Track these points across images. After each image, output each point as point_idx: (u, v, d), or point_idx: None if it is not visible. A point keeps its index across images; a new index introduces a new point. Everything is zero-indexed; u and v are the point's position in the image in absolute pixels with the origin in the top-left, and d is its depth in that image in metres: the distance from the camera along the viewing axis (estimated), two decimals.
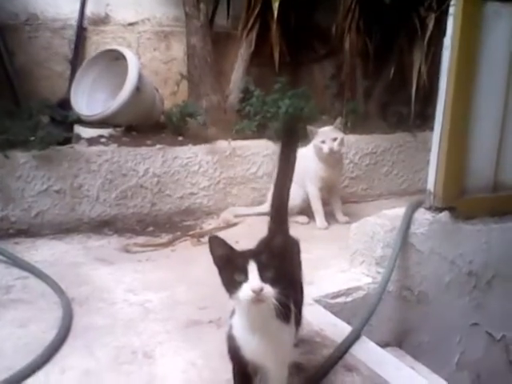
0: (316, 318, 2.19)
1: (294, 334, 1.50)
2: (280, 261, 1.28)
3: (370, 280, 2.54)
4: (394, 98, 4.34)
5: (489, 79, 2.63)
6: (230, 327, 1.38)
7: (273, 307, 1.26)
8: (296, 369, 1.82)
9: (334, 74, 4.50)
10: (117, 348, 1.96)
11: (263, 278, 1.23)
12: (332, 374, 1.83)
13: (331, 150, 3.30)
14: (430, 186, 2.61)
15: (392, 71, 4.20)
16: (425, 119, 4.04)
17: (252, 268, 1.24)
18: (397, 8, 3.93)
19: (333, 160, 3.40)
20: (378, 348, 2.05)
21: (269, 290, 1.23)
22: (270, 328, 1.32)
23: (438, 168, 2.59)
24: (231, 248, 1.31)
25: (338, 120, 3.38)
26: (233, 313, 1.38)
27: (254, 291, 1.22)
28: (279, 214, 1.67)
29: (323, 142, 3.30)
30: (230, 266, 1.27)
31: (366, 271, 2.60)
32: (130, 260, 2.86)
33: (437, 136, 2.58)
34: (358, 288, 2.50)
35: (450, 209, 2.62)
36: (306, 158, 3.30)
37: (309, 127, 3.33)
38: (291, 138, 1.73)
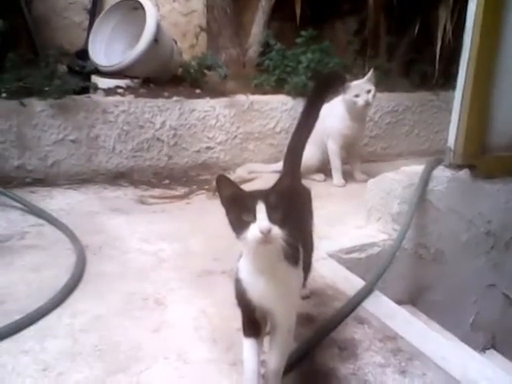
0: (329, 271, 2.18)
1: (303, 280, 1.48)
2: (289, 203, 1.25)
3: (385, 237, 2.51)
4: (417, 56, 4.24)
5: None
6: (237, 270, 1.36)
7: (280, 248, 1.24)
8: (307, 320, 1.82)
9: (357, 30, 4.40)
10: (128, 294, 1.97)
11: (271, 219, 1.20)
12: (343, 326, 1.82)
13: (367, 103, 3.24)
14: (451, 142, 2.55)
15: (416, 28, 4.09)
16: (448, 78, 3.91)
17: (260, 208, 1.21)
18: None
19: (362, 115, 3.36)
20: (391, 302, 2.03)
21: (277, 231, 1.20)
22: (278, 270, 1.29)
23: (460, 124, 2.52)
24: (239, 188, 1.27)
25: (371, 72, 3.28)
26: (240, 256, 1.36)
27: (262, 232, 1.19)
28: (292, 162, 1.67)
29: (357, 95, 3.23)
30: (238, 206, 1.23)
31: (382, 228, 2.57)
32: (145, 211, 2.86)
33: (459, 91, 2.51)
34: (372, 244, 2.47)
35: (470, 167, 2.56)
36: (328, 116, 3.21)
37: None
38: (320, 94, 1.76)
